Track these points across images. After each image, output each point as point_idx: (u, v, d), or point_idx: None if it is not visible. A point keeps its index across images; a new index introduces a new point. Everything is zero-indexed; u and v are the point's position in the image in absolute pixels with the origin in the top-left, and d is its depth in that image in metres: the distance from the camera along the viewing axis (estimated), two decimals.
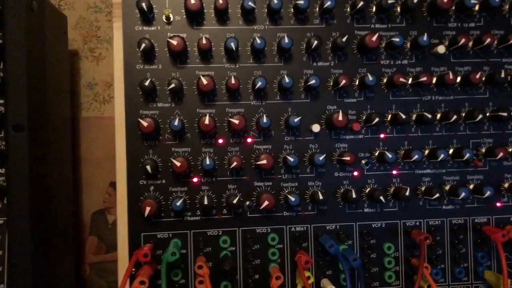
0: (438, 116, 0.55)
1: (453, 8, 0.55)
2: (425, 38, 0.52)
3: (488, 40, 0.53)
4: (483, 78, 0.55)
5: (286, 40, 0.51)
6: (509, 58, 0.56)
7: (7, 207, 0.52)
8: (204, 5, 0.52)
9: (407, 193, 0.52)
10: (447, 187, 0.55)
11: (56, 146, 0.68)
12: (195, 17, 0.52)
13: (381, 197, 0.51)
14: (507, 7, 0.56)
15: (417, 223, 0.55)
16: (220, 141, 0.53)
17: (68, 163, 0.77)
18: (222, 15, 0.53)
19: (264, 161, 0.50)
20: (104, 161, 0.88)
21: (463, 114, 0.55)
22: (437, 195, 0.52)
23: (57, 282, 0.65)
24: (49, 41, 0.65)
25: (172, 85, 0.50)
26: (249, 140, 0.53)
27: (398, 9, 0.55)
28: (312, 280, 0.49)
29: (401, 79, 0.52)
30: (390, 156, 0.52)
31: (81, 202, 0.87)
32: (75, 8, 0.85)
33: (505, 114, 0.53)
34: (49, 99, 0.64)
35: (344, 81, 0.51)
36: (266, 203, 0.50)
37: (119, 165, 0.53)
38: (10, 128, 0.50)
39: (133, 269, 0.49)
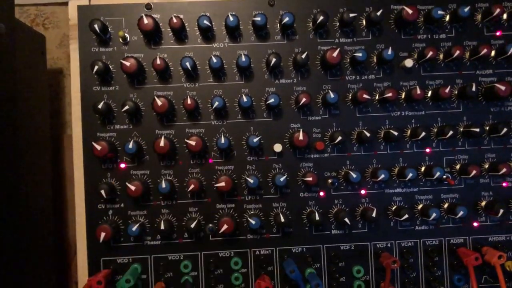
0: (408, 132, 0.52)
1: (422, 19, 0.53)
2: (389, 52, 0.50)
3: (457, 52, 0.50)
4: (455, 92, 0.53)
5: (243, 58, 0.49)
6: (483, 70, 0.53)
7: None
8: (161, 24, 0.51)
9: (374, 214, 0.49)
10: (420, 207, 0.52)
11: (31, 165, 0.68)
12: (151, 36, 0.51)
13: (346, 219, 0.49)
14: (480, 17, 0.53)
15: (389, 245, 0.53)
16: (180, 162, 0.52)
17: (47, 182, 0.77)
18: (179, 34, 0.51)
19: (222, 184, 0.49)
20: None
21: (435, 130, 0.52)
22: (406, 216, 0.49)
23: None
24: (22, 61, 0.64)
25: (126, 107, 0.49)
26: (210, 161, 0.52)
27: (364, 22, 0.53)
28: None
29: (365, 96, 0.50)
30: (354, 176, 0.49)
31: (67, 221, 0.87)
32: (59, 26, 0.85)
33: (477, 130, 0.50)
34: (22, 116, 0.64)
35: (304, 99, 0.49)
36: (225, 227, 0.48)
37: (78, 189, 0.52)
38: None
39: None
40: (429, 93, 0.52)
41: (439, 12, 0.50)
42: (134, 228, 0.48)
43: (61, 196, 0.87)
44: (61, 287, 0.84)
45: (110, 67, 0.51)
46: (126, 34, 0.51)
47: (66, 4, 0.80)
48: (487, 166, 0.52)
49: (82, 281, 0.51)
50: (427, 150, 0.53)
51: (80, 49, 0.51)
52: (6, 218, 0.58)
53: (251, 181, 0.49)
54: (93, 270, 0.51)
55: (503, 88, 0.50)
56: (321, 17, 0.50)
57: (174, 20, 0.49)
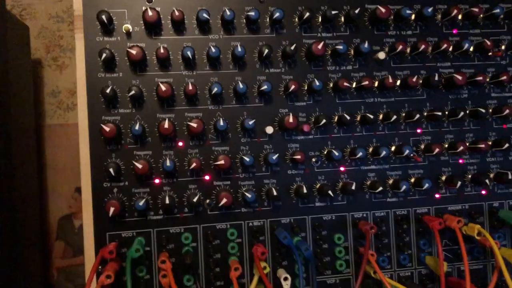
0: (381, 116, 0.60)
1: (392, 17, 0.60)
2: (366, 45, 0.57)
3: (423, 47, 0.58)
4: (420, 81, 0.61)
5: (239, 48, 0.55)
6: (443, 62, 0.62)
7: None
8: (161, 16, 0.56)
9: (353, 187, 0.56)
10: (391, 181, 0.60)
11: (20, 154, 0.70)
12: (153, 27, 0.56)
13: (330, 192, 0.56)
14: (440, 16, 0.61)
15: (364, 215, 0.60)
16: (180, 144, 0.56)
17: (33, 170, 0.79)
18: (178, 26, 0.56)
19: (222, 162, 0.54)
20: (69, 167, 0.89)
21: (403, 114, 0.60)
22: (380, 188, 0.57)
23: (25, 286, 0.67)
24: (11, 53, 0.66)
25: (132, 92, 0.53)
26: (207, 142, 0.57)
27: (342, 19, 0.60)
28: (268, 270, 0.53)
29: (345, 84, 0.57)
30: (337, 154, 0.56)
31: (48, 208, 0.88)
32: (36, 18, 0.86)
33: (439, 113, 0.59)
34: (13, 108, 0.66)
35: (293, 87, 0.55)
36: (224, 200, 0.54)
37: (84, 169, 0.55)
38: None
39: (100, 267, 0.51)
40: (398, 82, 0.60)
41: (407, 11, 0.58)
42: (141, 203, 0.53)
43: (42, 184, 0.88)
44: (44, 270, 0.86)
45: (115, 55, 0.55)
46: (128, 26, 0.55)
47: None
48: (446, 146, 0.61)
49: (89, 255, 0.55)
50: (397, 131, 0.61)
51: (86, 38, 0.55)
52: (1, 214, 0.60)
53: (247, 159, 0.55)
54: (99, 244, 0.55)
55: (460, 78, 0.59)
56: (307, 14, 0.56)
57: (176, 13, 0.54)
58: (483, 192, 0.62)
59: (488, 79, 0.62)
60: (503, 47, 0.63)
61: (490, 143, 0.62)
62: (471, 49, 0.62)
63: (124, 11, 0.56)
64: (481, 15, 0.62)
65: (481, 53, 0.62)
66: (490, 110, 0.62)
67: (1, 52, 0.63)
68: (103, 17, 0.53)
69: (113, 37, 0.55)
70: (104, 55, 0.53)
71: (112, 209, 0.52)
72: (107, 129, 0.52)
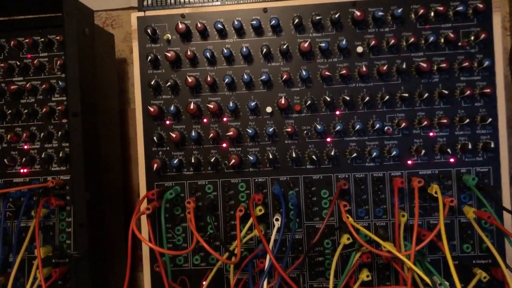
0: (360, 98, 0.75)
1: (371, 17, 0.75)
2: (344, 42, 0.73)
3: (392, 41, 0.72)
4: (395, 69, 0.75)
5: (244, 49, 0.74)
6: (416, 52, 0.75)
7: (70, 168, 0.80)
8: (190, 28, 0.77)
9: (332, 153, 0.73)
10: (368, 149, 0.75)
11: (105, 129, 0.96)
12: (185, 36, 0.77)
13: (313, 156, 0.73)
14: (413, 15, 0.74)
15: (346, 176, 0.76)
16: (205, 120, 0.77)
17: (116, 142, 1.05)
18: (202, 33, 0.77)
19: (231, 133, 0.74)
20: None
21: (379, 96, 0.75)
22: (355, 154, 0.73)
23: (109, 228, 0.93)
24: (98, 54, 0.92)
25: (169, 83, 0.75)
26: (225, 119, 0.77)
27: (329, 21, 0.76)
28: (263, 211, 0.72)
29: (327, 73, 0.73)
30: (319, 127, 0.73)
31: (131, 171, 1.15)
32: (123, 26, 1.12)
33: (406, 94, 0.73)
34: (99, 95, 0.91)
35: (285, 76, 0.73)
36: (233, 161, 0.74)
37: (139, 138, 0.79)
38: (70, 114, 0.78)
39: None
40: (375, 70, 0.75)
41: (380, 13, 0.73)
42: (175, 161, 0.75)
43: (127, 154, 1.15)
44: (127, 222, 1.12)
45: (158, 57, 0.77)
46: (168, 35, 0.77)
47: (128, 9, 1.07)
48: (416, 121, 0.75)
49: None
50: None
51: (139, 45, 0.78)
52: (90, 171, 0.84)
53: (250, 131, 0.74)
54: (149, 190, 0.78)
55: (425, 65, 0.72)
56: (297, 20, 0.73)
57: (199, 25, 0.75)
58: (452, 160, 0.75)
59: (457, 66, 0.74)
60: (472, 38, 0.74)
61: (457, 119, 0.74)
62: (442, 40, 0.74)
63: (165, 25, 0.78)
64: (451, 12, 0.74)
65: (452, 44, 0.74)
66: (458, 92, 0.74)
67: (90, 55, 0.88)
68: (149, 30, 0.75)
69: (158, 43, 0.78)
70: (149, 57, 0.75)
71: (155, 165, 0.75)
72: (152, 109, 0.75)
